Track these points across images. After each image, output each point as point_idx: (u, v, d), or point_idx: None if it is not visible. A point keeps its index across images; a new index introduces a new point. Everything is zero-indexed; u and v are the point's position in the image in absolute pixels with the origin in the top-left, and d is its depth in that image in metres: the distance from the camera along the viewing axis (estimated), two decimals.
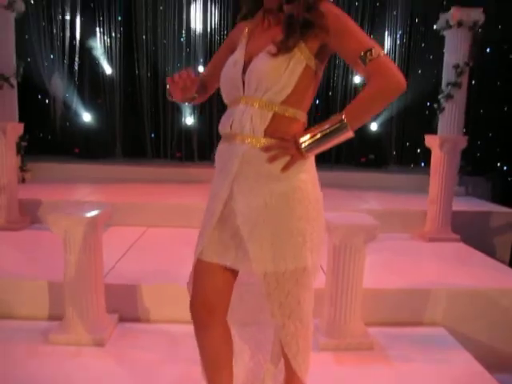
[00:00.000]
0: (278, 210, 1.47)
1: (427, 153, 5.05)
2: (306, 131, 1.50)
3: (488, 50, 7.78)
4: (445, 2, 7.78)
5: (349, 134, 1.46)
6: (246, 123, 1.47)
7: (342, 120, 1.43)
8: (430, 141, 4.72)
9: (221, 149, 1.61)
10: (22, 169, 6.05)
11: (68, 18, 7.68)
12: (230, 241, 1.54)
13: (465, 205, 5.54)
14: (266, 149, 1.46)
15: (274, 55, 1.43)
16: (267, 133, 1.46)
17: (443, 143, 4.57)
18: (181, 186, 5.96)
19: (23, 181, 5.96)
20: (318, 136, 1.47)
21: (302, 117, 1.54)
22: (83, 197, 5.20)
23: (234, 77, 1.52)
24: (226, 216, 1.54)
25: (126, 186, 5.97)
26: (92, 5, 7.89)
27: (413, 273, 3.60)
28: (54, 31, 7.68)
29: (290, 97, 1.47)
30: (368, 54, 1.39)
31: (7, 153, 4.38)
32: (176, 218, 4.71)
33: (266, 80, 1.44)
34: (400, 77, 1.38)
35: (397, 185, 6.58)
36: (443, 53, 6.36)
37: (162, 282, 3.12)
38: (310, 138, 1.47)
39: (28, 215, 4.70)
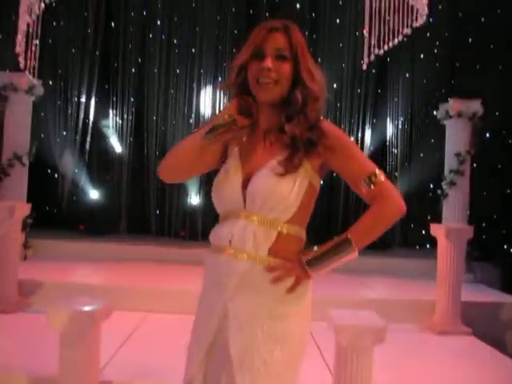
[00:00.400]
0: (274, 337, 1.38)
1: (431, 234, 5.02)
2: (309, 250, 1.47)
3: (488, 134, 8.01)
4: (443, 90, 8.18)
5: (354, 254, 1.46)
6: (248, 240, 1.41)
7: (347, 239, 1.44)
8: (436, 230, 4.71)
9: (214, 261, 1.51)
10: (25, 246, 6.02)
11: (83, 99, 8.03)
12: (219, 368, 1.41)
13: (475, 294, 5.39)
14: (271, 269, 1.40)
15: (282, 175, 1.43)
16: (271, 252, 1.42)
17: (449, 233, 4.55)
18: (183, 268, 5.87)
19: (25, 258, 5.90)
20: (323, 255, 1.45)
21: (303, 234, 1.53)
22: (84, 278, 5.13)
23: (232, 190, 1.50)
24: (218, 339, 1.43)
25: (128, 265, 5.89)
26: (107, 86, 8.30)
27: (423, 374, 3.42)
28: (69, 111, 8.00)
29: (295, 215, 1.46)
30: (372, 177, 1.45)
31: (12, 234, 4.38)
32: (176, 303, 4.58)
33: (273, 199, 1.42)
34: (401, 202, 1.47)
35: (402, 269, 6.46)
36: (444, 137, 6.55)
37: (158, 380, 2.97)
38: (314, 258, 1.44)
39: (26, 297, 4.60)
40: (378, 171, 1.46)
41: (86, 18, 8.10)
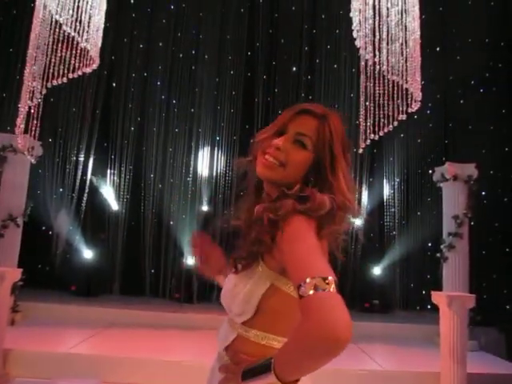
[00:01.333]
0: None
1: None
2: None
3: (483, 193, 8.04)
4: (437, 149, 8.31)
5: (271, 380, 1.08)
6: (220, 340, 1.39)
7: (269, 362, 1.10)
8: (437, 298, 4.59)
9: None
10: (14, 310, 5.81)
11: (82, 157, 8.08)
12: None
13: (480, 364, 5.19)
14: (219, 369, 1.29)
15: (235, 273, 1.32)
16: (229, 352, 1.32)
17: (451, 302, 4.43)
18: (178, 334, 5.67)
19: (12, 323, 5.68)
20: (246, 373, 1.17)
21: (272, 341, 1.28)
22: (74, 347, 4.90)
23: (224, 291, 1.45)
24: None
25: (121, 331, 5.68)
26: (105, 144, 8.38)
27: None
28: (67, 169, 8.02)
29: (256, 319, 1.28)
30: (307, 285, 1.01)
31: (0, 302, 4.22)
32: (169, 376, 4.36)
33: (226, 299, 1.36)
34: (333, 325, 0.96)
35: (404, 335, 6.26)
36: (440, 196, 6.56)
37: None
38: (245, 371, 1.18)
39: (12, 367, 4.37)
40: (309, 280, 1.01)
41: (88, 78, 8.30)
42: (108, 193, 8.00)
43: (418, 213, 8.28)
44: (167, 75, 8.48)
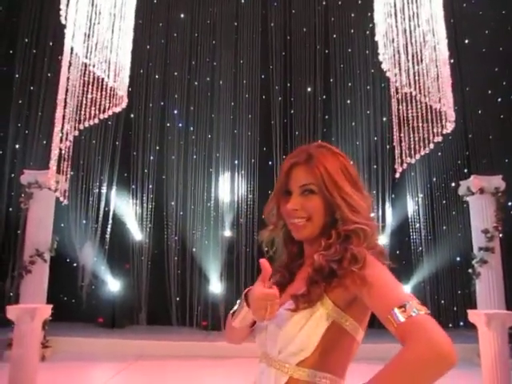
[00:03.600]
0: None
1: (465, 311, 4.76)
2: None
3: (510, 203, 7.85)
4: (459, 162, 8.18)
5: None
6: None
7: None
8: (475, 317, 4.43)
9: None
10: (44, 345, 5.82)
11: (104, 189, 8.18)
12: None
13: None
14: None
15: (293, 311, 1.26)
16: None
17: (490, 320, 4.28)
18: (208, 363, 5.58)
19: (43, 359, 5.68)
20: None
21: (327, 379, 1.25)
22: (106, 382, 4.86)
23: (261, 330, 1.37)
24: None
25: (150, 364, 5.62)
26: (126, 174, 8.47)
27: None
28: (90, 201, 8.12)
29: (311, 358, 1.25)
30: (401, 310, 1.07)
31: (32, 340, 4.23)
32: None
33: (280, 340, 1.28)
34: (441, 342, 0.99)
35: None
36: (466, 210, 6.42)
37: None
38: None
39: None
40: (411, 303, 1.07)
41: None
42: (131, 222, 8.05)
43: (444, 227, 8.11)
44: (184, 103, 8.60)
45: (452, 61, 8.41)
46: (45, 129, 6.40)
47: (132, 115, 8.67)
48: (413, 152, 3.24)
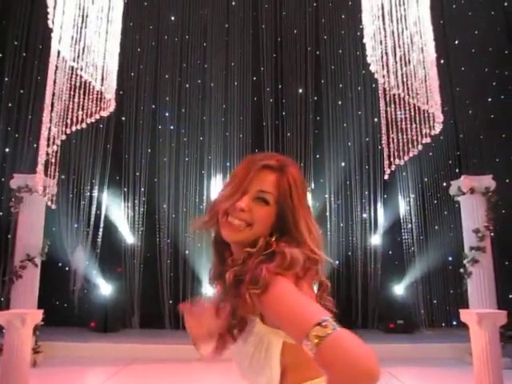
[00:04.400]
0: None
1: (457, 311, 4.78)
2: None
3: (500, 202, 7.89)
4: (450, 161, 8.23)
5: None
6: None
7: None
8: (467, 317, 4.45)
9: None
10: (35, 350, 5.76)
11: (95, 192, 8.13)
12: None
13: None
14: None
15: (234, 341, 1.20)
16: None
17: (481, 320, 4.29)
18: (202, 367, 5.56)
19: (34, 365, 5.62)
20: None
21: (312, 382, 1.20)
22: None
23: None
24: None
25: (143, 368, 5.59)
26: (118, 177, 8.43)
27: None
28: (81, 205, 8.06)
29: (283, 380, 1.18)
30: (306, 345, 0.96)
31: (22, 346, 4.19)
32: None
33: (250, 374, 1.22)
34: (355, 360, 0.90)
35: (433, 355, 6.08)
36: (457, 209, 6.45)
37: None
38: None
39: None
40: (309, 335, 0.95)
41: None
42: (123, 224, 8.01)
43: (436, 227, 8.15)
44: (175, 106, 8.58)
45: (442, 61, 8.52)
46: (34, 132, 6.35)
47: (123, 118, 8.63)
48: (401, 153, 3.25)
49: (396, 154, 3.27)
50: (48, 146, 3.43)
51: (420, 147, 3.22)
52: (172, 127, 8.63)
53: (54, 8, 3.17)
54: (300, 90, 8.88)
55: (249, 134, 8.61)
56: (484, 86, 8.41)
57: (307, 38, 8.82)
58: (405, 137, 3.15)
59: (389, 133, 3.24)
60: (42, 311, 4.66)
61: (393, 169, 3.46)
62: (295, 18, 8.90)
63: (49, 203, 5.05)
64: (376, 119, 8.60)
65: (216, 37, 8.76)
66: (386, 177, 3.72)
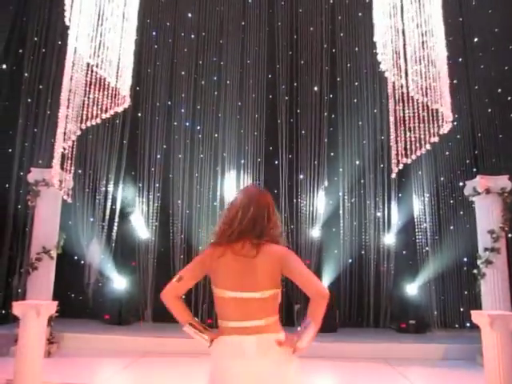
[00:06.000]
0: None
1: (471, 312, 4.72)
2: None
3: None
4: (467, 161, 8.12)
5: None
6: None
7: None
8: (478, 318, 4.40)
9: None
10: (49, 341, 5.89)
11: (111, 187, 8.24)
12: None
13: None
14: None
15: None
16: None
17: (493, 321, 4.24)
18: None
19: (48, 354, 5.75)
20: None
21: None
22: (110, 377, 4.91)
23: None
24: None
25: (155, 361, 5.66)
26: (133, 173, 8.53)
27: None
28: (97, 199, 8.18)
29: None
30: None
31: (36, 336, 4.28)
32: None
33: None
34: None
35: (444, 355, 6.03)
36: (474, 210, 6.37)
37: None
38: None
39: None
40: None
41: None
42: (138, 219, 8.11)
43: (451, 227, 8.05)
44: (190, 102, 8.63)
45: (460, 59, 8.41)
46: (52, 127, 6.47)
47: (139, 114, 8.72)
48: (410, 152, 3.23)
49: (404, 152, 3.25)
50: (64, 140, 3.50)
51: (428, 146, 3.20)
52: (187, 124, 8.68)
53: (71, 7, 3.24)
54: (315, 88, 8.84)
55: (263, 131, 8.62)
56: (503, 84, 8.26)
57: (323, 35, 8.78)
58: (413, 135, 3.13)
59: (397, 131, 3.23)
60: (56, 303, 4.75)
61: (401, 167, 3.44)
62: (311, 16, 8.86)
63: (65, 197, 5.14)
64: (392, 117, 8.50)
65: (232, 34, 8.78)
66: (394, 175, 3.70)
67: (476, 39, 8.47)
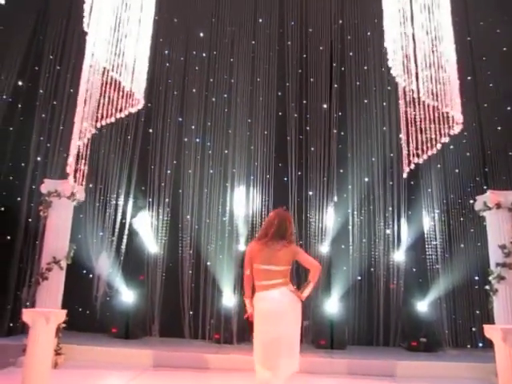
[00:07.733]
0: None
1: (483, 331, 4.63)
2: None
3: None
4: (477, 178, 8.10)
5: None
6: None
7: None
8: (491, 332, 4.31)
9: None
10: (57, 352, 5.86)
11: (121, 201, 8.31)
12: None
13: None
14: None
15: None
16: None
17: (507, 335, 4.15)
18: (220, 376, 5.54)
19: (55, 365, 5.71)
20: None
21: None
22: None
23: None
24: None
25: (161, 374, 5.60)
26: (143, 187, 8.61)
27: None
28: (107, 213, 8.25)
29: None
30: None
31: (45, 344, 4.27)
32: None
33: None
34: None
35: (457, 375, 5.88)
36: (485, 226, 6.31)
37: None
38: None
39: None
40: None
41: (126, 125, 8.67)
42: (147, 234, 8.14)
43: (462, 245, 7.97)
44: (201, 119, 8.76)
45: (469, 78, 8.48)
46: (65, 142, 6.59)
47: (150, 130, 8.85)
48: (420, 152, 3.26)
49: (414, 152, 3.28)
50: (78, 155, 3.61)
51: (439, 146, 3.22)
52: (198, 140, 8.78)
53: (90, 14, 3.38)
54: (324, 106, 8.93)
55: (273, 148, 8.69)
56: None
57: (333, 54, 8.92)
58: (424, 136, 3.16)
59: (408, 131, 3.27)
60: (65, 311, 4.74)
61: (412, 167, 3.46)
62: (321, 35, 9.03)
63: (75, 203, 5.19)
64: (401, 135, 8.52)
65: (242, 53, 8.96)
66: (405, 175, 3.72)
67: (484, 58, 8.55)
